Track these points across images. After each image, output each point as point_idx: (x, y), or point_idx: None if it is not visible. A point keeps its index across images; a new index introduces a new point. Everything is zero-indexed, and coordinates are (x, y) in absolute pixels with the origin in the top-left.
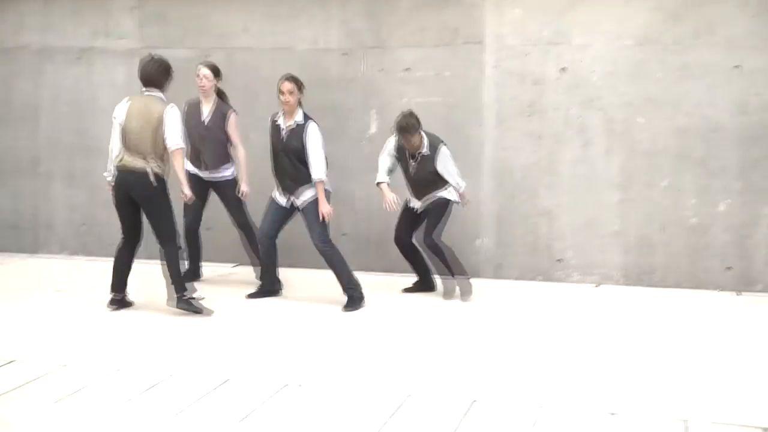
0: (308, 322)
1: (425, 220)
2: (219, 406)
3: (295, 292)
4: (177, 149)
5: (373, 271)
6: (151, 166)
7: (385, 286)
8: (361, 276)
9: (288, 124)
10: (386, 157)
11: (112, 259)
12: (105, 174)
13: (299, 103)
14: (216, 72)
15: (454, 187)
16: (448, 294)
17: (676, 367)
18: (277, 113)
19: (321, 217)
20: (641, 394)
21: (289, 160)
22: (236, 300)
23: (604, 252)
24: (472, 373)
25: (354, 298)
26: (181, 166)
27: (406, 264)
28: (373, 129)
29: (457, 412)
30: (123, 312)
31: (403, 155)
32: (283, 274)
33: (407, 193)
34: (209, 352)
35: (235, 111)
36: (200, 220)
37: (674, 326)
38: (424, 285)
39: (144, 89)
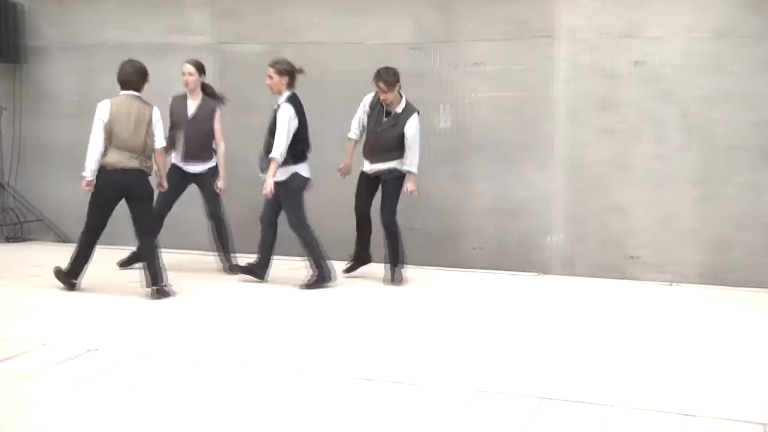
0: (360, 312)
1: (381, 195)
2: (291, 396)
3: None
4: (161, 148)
5: (441, 266)
6: (144, 165)
7: (454, 282)
8: (428, 271)
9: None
10: (360, 113)
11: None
12: (85, 174)
13: (288, 86)
14: (200, 68)
15: (408, 163)
16: (391, 281)
17: (750, 370)
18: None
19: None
20: (717, 397)
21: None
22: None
23: (679, 249)
24: (542, 370)
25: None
26: (164, 162)
27: (474, 260)
28: (443, 123)
29: (525, 410)
30: (185, 302)
31: (376, 111)
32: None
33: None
34: (284, 344)
35: (222, 106)
36: (169, 209)
37: (750, 328)
38: (362, 257)
39: (122, 91)
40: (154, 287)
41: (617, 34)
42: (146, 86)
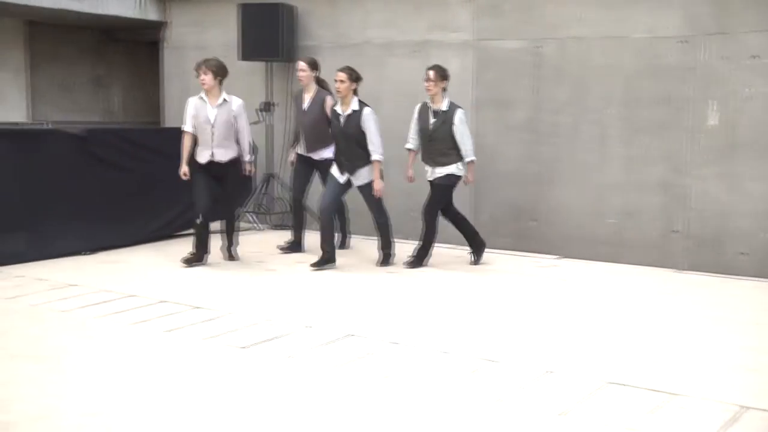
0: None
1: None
2: (540, 396)
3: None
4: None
5: (702, 272)
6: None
7: (720, 286)
8: (690, 276)
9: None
10: (414, 122)
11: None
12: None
13: (354, 92)
14: (312, 65)
15: (465, 152)
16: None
17: None
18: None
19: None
20: None
21: (347, 143)
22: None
23: None
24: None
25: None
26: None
27: (740, 267)
28: (712, 121)
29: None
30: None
31: (424, 115)
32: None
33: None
34: (531, 341)
35: (330, 94)
36: (304, 193)
37: None
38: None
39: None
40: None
41: None
42: (401, 81)
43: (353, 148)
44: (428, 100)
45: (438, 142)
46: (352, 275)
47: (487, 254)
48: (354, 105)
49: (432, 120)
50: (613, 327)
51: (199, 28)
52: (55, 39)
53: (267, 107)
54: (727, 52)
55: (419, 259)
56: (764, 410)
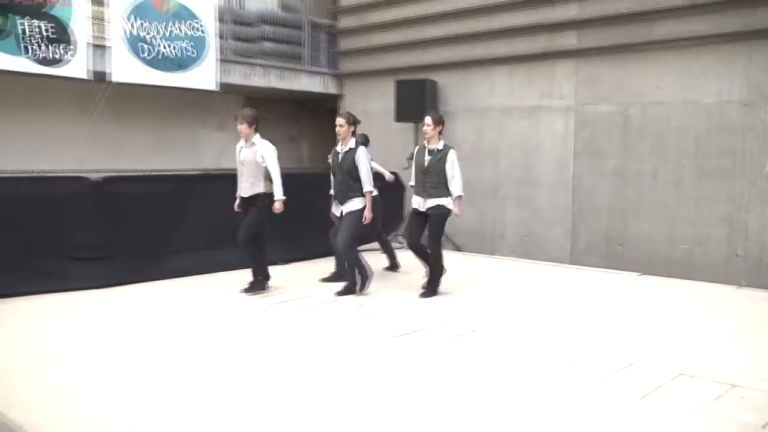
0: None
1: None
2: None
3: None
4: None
5: (763, 289)
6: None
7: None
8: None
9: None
10: (413, 161)
11: (548, 262)
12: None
13: (353, 133)
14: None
15: (454, 189)
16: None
17: None
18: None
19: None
20: None
21: (342, 176)
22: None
23: None
24: None
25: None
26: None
27: None
28: (767, 169)
29: None
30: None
31: (420, 154)
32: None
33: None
34: (613, 338)
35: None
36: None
37: None
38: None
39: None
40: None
41: None
42: (516, 137)
43: (347, 181)
44: (425, 143)
45: (431, 176)
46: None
47: (584, 270)
48: (351, 144)
49: (428, 157)
50: (681, 328)
51: (366, 98)
52: (264, 108)
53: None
54: None
55: (432, 290)
56: None
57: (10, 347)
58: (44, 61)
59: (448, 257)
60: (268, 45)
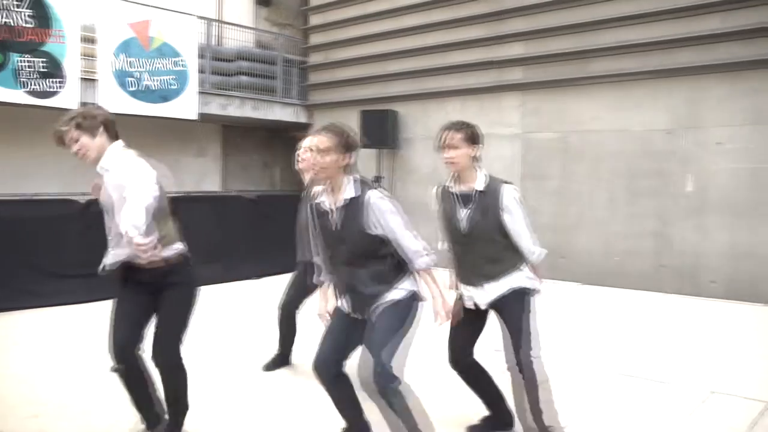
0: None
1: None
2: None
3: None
4: None
5: (687, 295)
6: None
7: (694, 305)
8: None
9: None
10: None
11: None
12: None
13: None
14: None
15: (528, 252)
16: None
17: None
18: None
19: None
20: None
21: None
22: None
23: None
24: None
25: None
26: None
27: (715, 292)
28: (689, 188)
29: None
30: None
31: (448, 205)
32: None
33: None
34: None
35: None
36: None
37: None
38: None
39: None
40: None
41: None
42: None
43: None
44: (451, 181)
45: (480, 244)
46: None
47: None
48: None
49: (462, 211)
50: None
51: None
52: (241, 136)
53: (377, 180)
54: (699, 140)
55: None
56: None
57: (1, 360)
58: (38, 94)
59: None
60: (244, 79)
